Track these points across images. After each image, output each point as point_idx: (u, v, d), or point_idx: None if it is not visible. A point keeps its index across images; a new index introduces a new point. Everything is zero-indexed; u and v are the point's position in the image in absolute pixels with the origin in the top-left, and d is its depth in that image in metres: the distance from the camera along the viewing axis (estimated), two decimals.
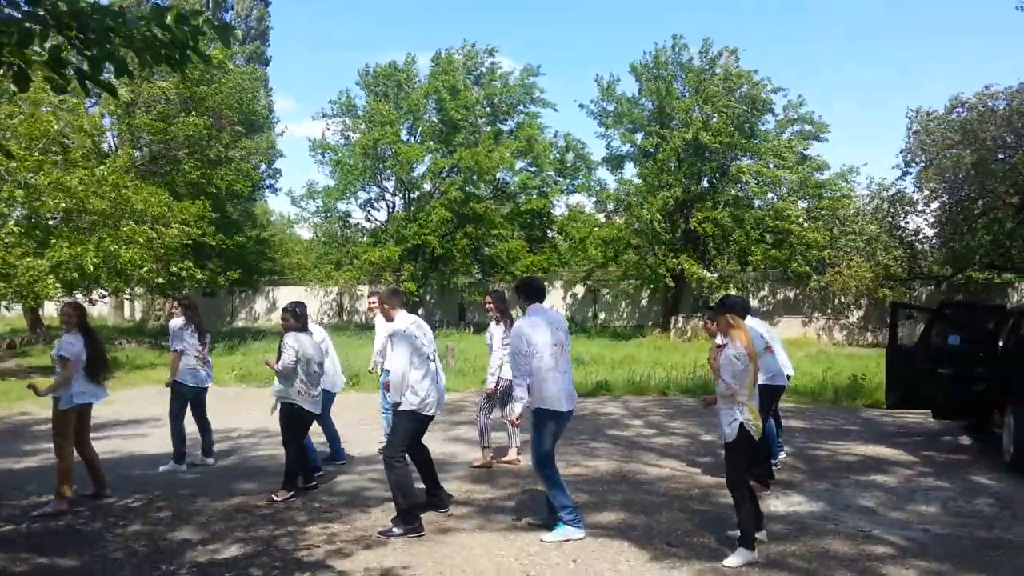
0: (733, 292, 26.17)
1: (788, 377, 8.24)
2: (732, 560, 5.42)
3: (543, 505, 6.42)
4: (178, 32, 4.31)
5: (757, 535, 5.67)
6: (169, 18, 4.26)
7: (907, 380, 9.86)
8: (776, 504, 6.89)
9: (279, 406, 7.49)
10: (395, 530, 6.14)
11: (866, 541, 5.94)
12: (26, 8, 4.05)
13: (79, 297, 19.25)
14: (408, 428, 6.39)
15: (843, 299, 28.36)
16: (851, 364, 17.26)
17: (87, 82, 4.42)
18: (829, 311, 28.80)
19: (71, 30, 4.14)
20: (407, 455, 6.46)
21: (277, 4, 50.89)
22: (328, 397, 8.45)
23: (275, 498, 7.12)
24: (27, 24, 4.04)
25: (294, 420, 7.38)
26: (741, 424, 5.59)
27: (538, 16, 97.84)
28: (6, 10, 4.06)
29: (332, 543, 5.91)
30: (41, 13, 4.07)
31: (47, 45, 4.30)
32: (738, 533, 5.63)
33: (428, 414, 6.45)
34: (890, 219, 26.53)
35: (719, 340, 5.97)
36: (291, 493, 7.24)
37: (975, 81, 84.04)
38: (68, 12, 4.05)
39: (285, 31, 78.41)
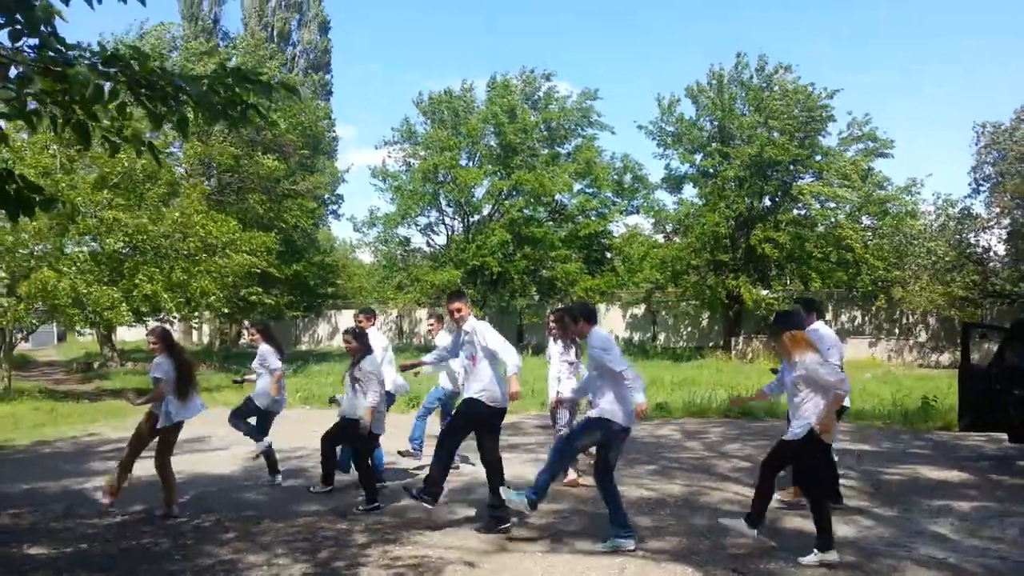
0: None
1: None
2: (809, 559, 5.65)
3: (607, 529, 6.37)
4: (241, 91, 4.39)
5: (827, 556, 5.68)
6: (234, 78, 4.35)
7: (980, 402, 9.57)
8: (845, 530, 6.71)
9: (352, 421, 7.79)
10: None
11: (940, 568, 5.74)
12: (102, 68, 4.19)
13: (151, 321, 19.85)
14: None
15: (910, 319, 27.58)
16: (921, 386, 16.76)
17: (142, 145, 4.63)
18: (896, 331, 28.01)
19: (140, 87, 4.29)
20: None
21: (334, 30, 52.04)
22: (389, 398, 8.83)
23: (357, 509, 7.56)
24: (100, 82, 4.17)
25: (359, 434, 7.67)
26: (812, 429, 5.76)
27: (592, 36, 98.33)
28: (83, 69, 4.19)
29: (390, 567, 5.93)
30: (113, 72, 4.21)
31: (114, 104, 4.44)
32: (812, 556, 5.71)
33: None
34: (958, 236, 25.78)
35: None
36: (375, 505, 7.58)
37: (977, 83, 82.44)
38: (140, 71, 4.20)
39: (339, 55, 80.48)
